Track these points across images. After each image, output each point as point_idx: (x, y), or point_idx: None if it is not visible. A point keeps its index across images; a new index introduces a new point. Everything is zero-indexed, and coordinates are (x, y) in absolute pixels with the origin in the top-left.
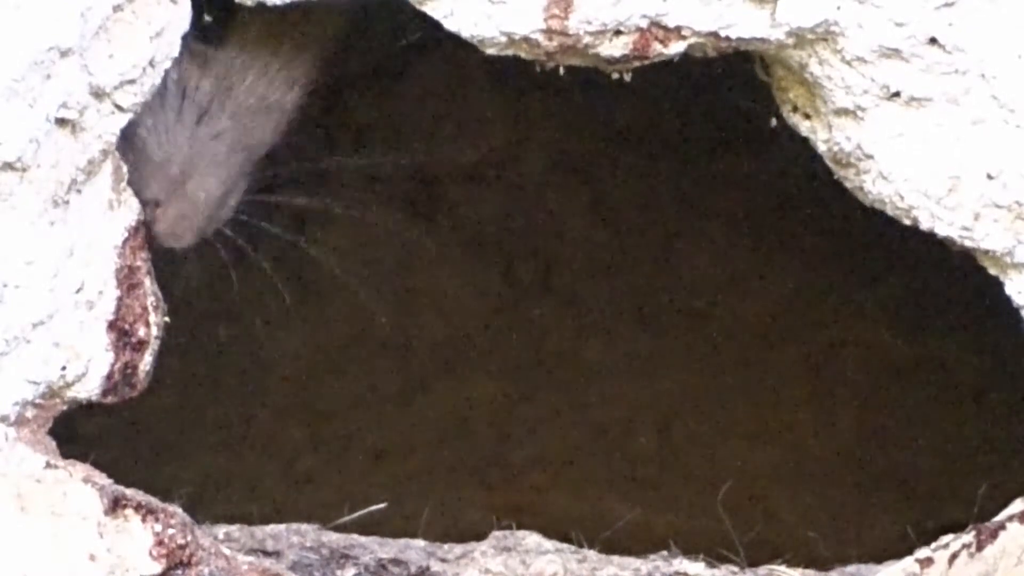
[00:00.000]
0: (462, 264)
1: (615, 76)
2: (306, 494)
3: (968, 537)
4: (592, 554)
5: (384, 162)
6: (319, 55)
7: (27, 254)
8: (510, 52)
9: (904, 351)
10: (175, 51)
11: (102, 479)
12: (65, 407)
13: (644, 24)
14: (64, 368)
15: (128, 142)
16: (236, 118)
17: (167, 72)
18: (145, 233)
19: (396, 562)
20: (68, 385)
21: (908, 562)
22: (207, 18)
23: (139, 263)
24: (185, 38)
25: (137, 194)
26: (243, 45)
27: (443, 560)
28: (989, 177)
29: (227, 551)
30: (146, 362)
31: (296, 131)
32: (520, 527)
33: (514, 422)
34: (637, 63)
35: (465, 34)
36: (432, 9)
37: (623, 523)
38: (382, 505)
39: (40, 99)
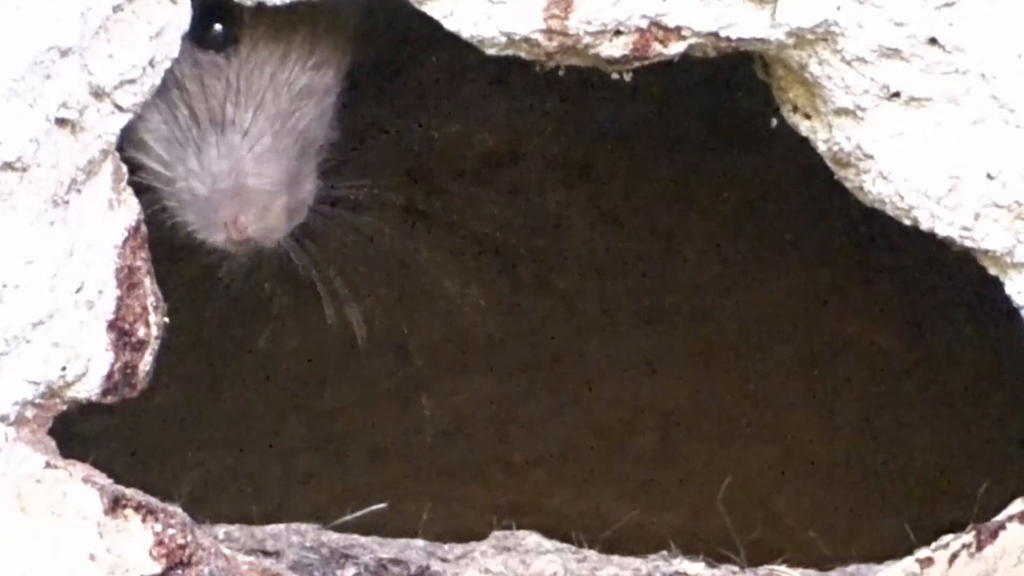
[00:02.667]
0: (462, 264)
1: (615, 76)
2: (306, 494)
3: (968, 537)
4: (592, 554)
5: (384, 162)
6: (342, 37)
7: (27, 254)
8: (510, 52)
9: (904, 351)
10: (175, 51)
11: (102, 479)
12: (65, 407)
13: (644, 24)
14: (64, 368)
15: (181, 197)
16: (270, 114)
17: (192, 105)
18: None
19: (396, 562)
20: (68, 385)
21: (908, 562)
22: (217, 27)
23: (139, 263)
24: (199, 62)
25: (209, 232)
26: (255, 43)
27: (443, 560)
28: (989, 177)
29: (227, 551)
30: (146, 362)
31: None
32: (520, 527)
33: (514, 422)
34: (637, 63)
35: (465, 34)
36: (432, 9)
37: (623, 523)
38: (382, 505)
39: (40, 99)
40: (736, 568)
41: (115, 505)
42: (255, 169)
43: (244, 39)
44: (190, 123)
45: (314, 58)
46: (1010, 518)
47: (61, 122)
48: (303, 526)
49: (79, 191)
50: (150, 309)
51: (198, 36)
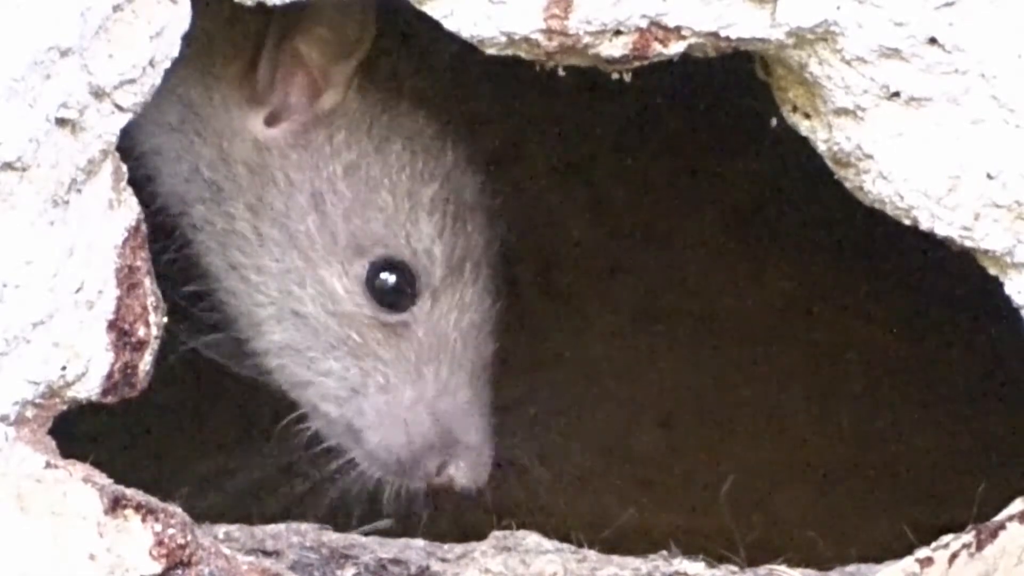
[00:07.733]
0: None
1: (615, 76)
2: (306, 494)
3: (968, 537)
4: (592, 554)
5: None
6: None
7: (27, 254)
8: (510, 52)
9: (904, 351)
10: (175, 51)
11: (102, 479)
12: (65, 407)
13: (644, 24)
14: (64, 368)
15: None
16: (464, 364)
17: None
18: None
19: (396, 562)
20: (68, 385)
21: (908, 562)
22: (390, 279)
23: (139, 263)
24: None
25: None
26: (435, 295)
27: (443, 560)
28: (989, 177)
29: (227, 551)
30: (146, 362)
31: None
32: (520, 527)
33: (514, 422)
34: (637, 63)
35: (465, 34)
36: (432, 9)
37: (623, 523)
38: (388, 522)
39: (40, 99)
40: (736, 568)
41: (115, 505)
42: (462, 424)
43: (423, 294)
44: (381, 383)
45: (483, 281)
46: (1010, 518)
47: (61, 122)
48: (303, 526)
49: (79, 191)
50: (150, 309)
51: (378, 296)
